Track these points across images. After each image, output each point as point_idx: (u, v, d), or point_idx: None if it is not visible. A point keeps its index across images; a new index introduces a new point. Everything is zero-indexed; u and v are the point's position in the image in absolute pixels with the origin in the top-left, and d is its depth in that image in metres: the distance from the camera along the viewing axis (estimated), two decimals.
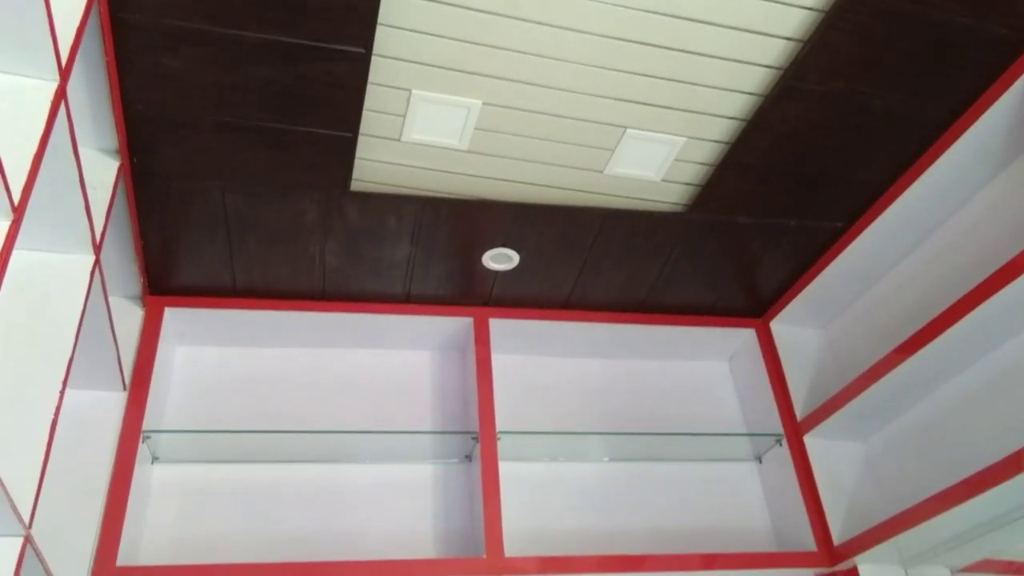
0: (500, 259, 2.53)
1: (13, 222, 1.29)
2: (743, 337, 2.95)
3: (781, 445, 2.70)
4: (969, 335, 2.15)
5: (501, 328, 2.76)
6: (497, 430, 2.53)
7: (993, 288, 1.99)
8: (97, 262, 1.82)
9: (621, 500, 2.71)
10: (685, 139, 2.16)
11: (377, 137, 2.09)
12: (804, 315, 2.85)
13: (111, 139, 1.90)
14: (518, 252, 2.51)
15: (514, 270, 2.59)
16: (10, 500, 1.40)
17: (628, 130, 2.13)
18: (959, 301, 2.09)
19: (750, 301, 2.87)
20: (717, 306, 2.87)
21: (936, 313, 2.16)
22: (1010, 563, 2.68)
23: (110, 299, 2.05)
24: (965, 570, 2.54)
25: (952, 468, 2.15)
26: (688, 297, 2.81)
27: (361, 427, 2.60)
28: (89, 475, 2.18)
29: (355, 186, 2.22)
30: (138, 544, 2.31)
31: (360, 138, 2.06)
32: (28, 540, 1.52)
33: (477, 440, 2.52)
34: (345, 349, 2.82)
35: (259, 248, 2.39)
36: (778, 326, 2.89)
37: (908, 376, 2.33)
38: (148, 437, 2.33)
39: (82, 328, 1.74)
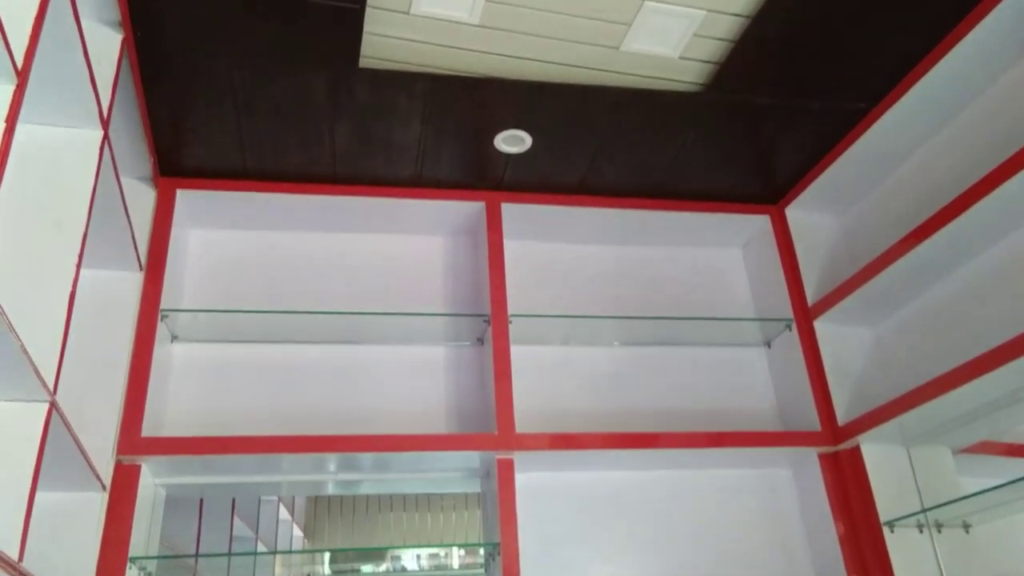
0: (512, 141, 2.50)
1: (17, 87, 1.27)
2: (758, 224, 2.92)
3: (791, 330, 2.72)
4: (984, 219, 2.12)
5: (513, 213, 2.75)
6: (509, 313, 2.56)
7: (1009, 172, 1.95)
8: (106, 137, 1.80)
9: (631, 383, 2.76)
10: (704, 12, 2.08)
11: (385, 10, 2.02)
12: (820, 201, 2.81)
13: (113, 10, 1.85)
14: (530, 134, 2.47)
15: (526, 153, 2.55)
16: (33, 366, 1.43)
17: (646, 2, 2.04)
18: (975, 185, 2.05)
19: (766, 187, 2.83)
20: (732, 192, 2.84)
21: (952, 197, 2.13)
22: (1009, 445, 2.74)
23: (122, 180, 2.04)
24: (965, 451, 2.60)
25: (960, 353, 2.16)
26: (703, 182, 2.77)
27: (374, 309, 2.63)
28: (110, 352, 2.23)
29: (364, 63, 2.17)
30: (162, 418, 2.39)
31: (368, 11, 1.99)
32: (54, 406, 1.57)
33: (489, 323, 2.55)
34: (357, 233, 2.83)
35: (268, 128, 2.36)
36: (793, 212, 2.86)
37: (921, 260, 2.31)
38: (166, 316, 2.38)
39: (95, 207, 1.74)
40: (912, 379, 2.32)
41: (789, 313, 2.73)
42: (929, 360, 2.42)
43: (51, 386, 1.55)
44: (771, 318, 2.79)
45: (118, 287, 2.32)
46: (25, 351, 1.39)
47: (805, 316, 2.70)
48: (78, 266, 1.67)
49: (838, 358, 2.64)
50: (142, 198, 2.46)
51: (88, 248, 1.74)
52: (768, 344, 2.87)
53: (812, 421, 2.57)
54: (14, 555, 1.42)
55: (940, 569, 2.37)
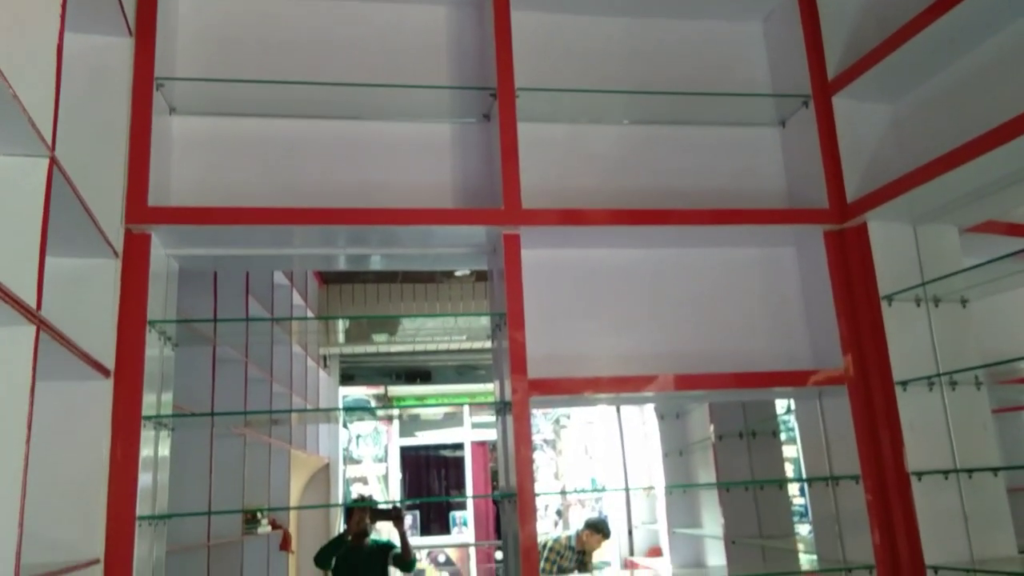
0: None
1: None
2: None
3: (807, 107, 2.63)
4: None
5: None
6: (516, 86, 2.47)
7: None
8: None
9: (640, 163, 2.72)
10: None
11: None
12: None
13: None
14: None
15: None
16: (27, 116, 1.40)
17: None
18: None
19: None
20: None
21: None
22: (1012, 224, 2.75)
23: None
24: (971, 230, 2.61)
25: (978, 131, 2.09)
26: None
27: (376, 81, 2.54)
28: (108, 122, 2.18)
29: None
30: (167, 191, 2.39)
31: None
32: (54, 162, 1.55)
33: (495, 97, 2.47)
34: (358, 1, 2.67)
35: None
36: None
37: (948, 30, 2.19)
38: (162, 85, 2.30)
39: None
40: (926, 158, 2.27)
41: (807, 89, 2.62)
42: (945, 138, 2.34)
43: (49, 141, 1.52)
44: (788, 94, 2.69)
45: (108, 54, 2.22)
46: (17, 99, 1.35)
47: (823, 92, 2.60)
48: (62, 18, 1.59)
49: (853, 136, 2.57)
50: None
51: (71, 10, 1.64)
52: (783, 123, 2.79)
53: (821, 200, 2.55)
54: (31, 303, 1.46)
55: (934, 343, 2.44)
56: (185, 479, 2.91)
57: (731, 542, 3.96)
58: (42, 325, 1.50)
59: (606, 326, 2.59)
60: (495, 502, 8.66)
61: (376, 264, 2.65)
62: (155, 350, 2.23)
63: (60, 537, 1.92)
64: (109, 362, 2.06)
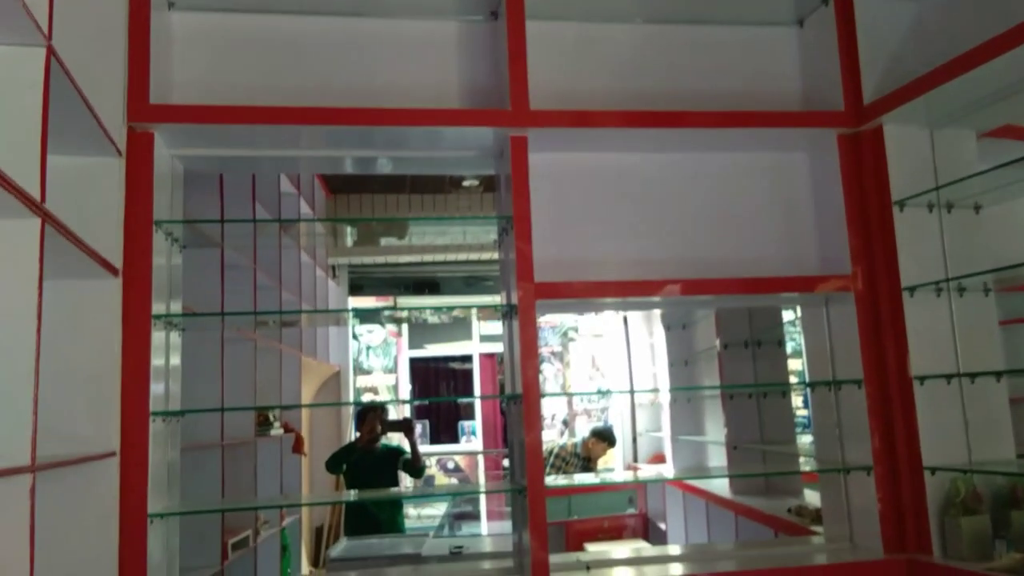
0: None
1: None
2: None
3: (827, 5, 2.54)
4: None
5: None
6: None
7: None
8: None
9: (652, 64, 2.64)
10: None
11: None
12: None
13: None
14: None
15: None
16: (24, 5, 1.36)
17: None
18: None
19: None
20: None
21: None
22: None
23: None
24: (988, 135, 2.55)
25: (1001, 29, 2.01)
26: None
27: None
28: (106, 16, 2.11)
29: None
30: (169, 88, 2.35)
31: None
32: (51, 52, 1.52)
33: None
34: None
35: None
36: None
37: None
38: None
39: None
40: (947, 58, 2.20)
41: None
42: (968, 39, 2.27)
43: (45, 29, 1.48)
44: None
45: None
46: None
47: None
48: None
49: (874, 36, 2.49)
50: None
51: None
52: (800, 23, 2.70)
53: (836, 103, 2.49)
54: (35, 195, 1.45)
55: (944, 249, 2.42)
56: (197, 383, 2.96)
57: (733, 448, 4.05)
58: (47, 218, 1.50)
59: (614, 231, 2.57)
60: (502, 412, 8.84)
61: (383, 168, 2.62)
62: (163, 250, 2.24)
63: (76, 431, 1.97)
64: (117, 261, 2.07)
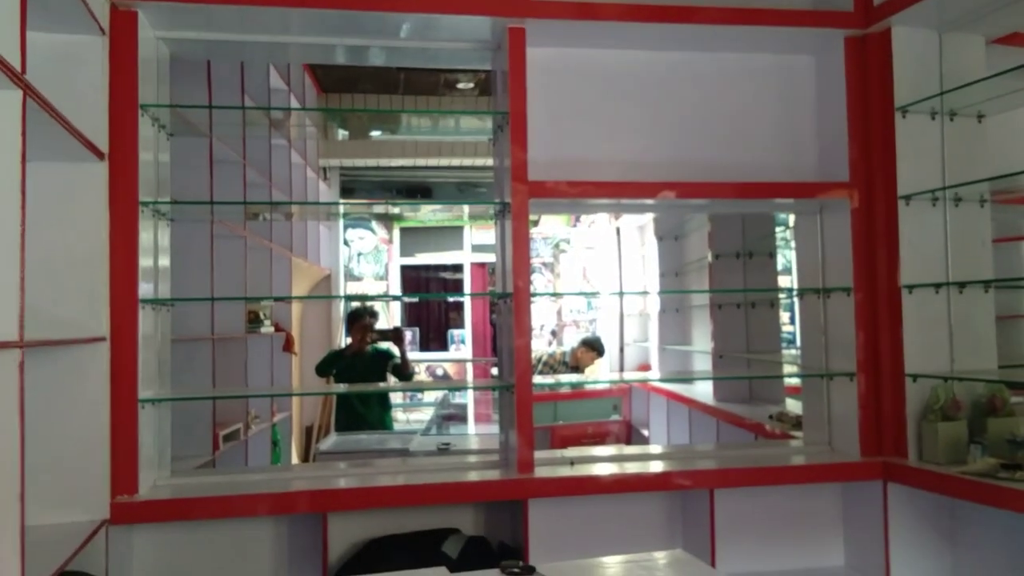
0: None
1: None
2: None
3: None
4: None
5: None
6: None
7: None
8: None
9: None
10: None
11: None
12: None
13: None
14: None
15: None
16: None
17: None
18: None
19: None
20: None
21: None
22: None
23: None
24: (998, 41, 2.48)
25: None
26: None
27: None
28: None
29: None
30: None
31: None
32: None
33: None
34: None
35: None
36: None
37: None
38: None
39: None
40: None
41: None
42: None
43: None
44: None
45: None
46: None
47: None
48: None
49: None
50: None
51: None
52: None
53: (846, 3, 2.42)
54: (16, 65, 1.40)
55: (943, 157, 2.39)
56: (187, 278, 2.95)
57: (719, 356, 4.11)
58: (28, 91, 1.45)
59: (611, 132, 2.53)
60: (492, 323, 8.91)
61: (375, 58, 2.54)
62: (149, 137, 2.19)
63: (65, 316, 1.97)
64: (103, 144, 2.02)
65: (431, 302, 10.23)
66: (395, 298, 9.46)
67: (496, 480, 2.28)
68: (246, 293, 3.70)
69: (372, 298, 6.66)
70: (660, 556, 1.69)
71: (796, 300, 2.82)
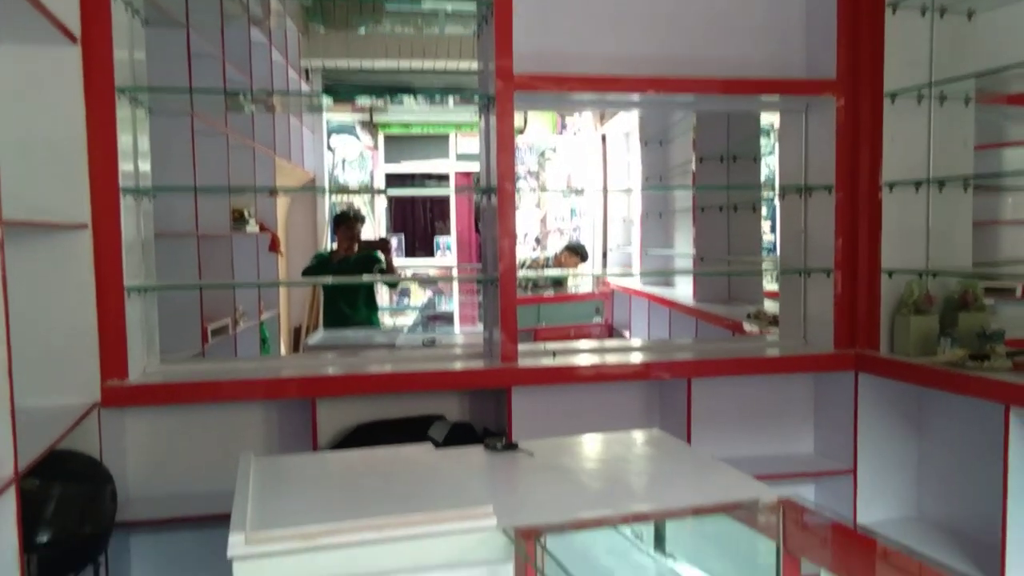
0: None
1: None
2: None
3: None
4: None
5: None
6: None
7: None
8: None
9: None
10: None
11: None
12: None
13: None
14: None
15: None
16: None
17: None
18: None
19: None
20: None
21: None
22: None
23: None
24: None
25: None
26: None
27: None
28: None
29: None
30: None
31: None
32: None
33: None
34: None
35: None
36: None
37: None
38: None
39: None
40: None
41: None
42: None
43: None
44: None
45: None
46: None
47: None
48: None
49: None
50: None
51: None
52: None
53: None
54: None
55: (931, 55, 2.37)
56: (169, 175, 2.91)
57: (700, 259, 4.15)
58: None
59: (598, 26, 2.48)
60: (477, 230, 8.90)
61: None
62: (123, 20, 2.12)
63: (45, 203, 1.96)
64: (74, 27, 1.97)
65: (416, 209, 10.19)
66: (380, 191, 9.37)
67: (480, 369, 2.34)
68: (230, 192, 3.67)
69: (356, 191, 6.59)
70: (638, 434, 1.76)
71: (777, 203, 2.84)
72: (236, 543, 1.09)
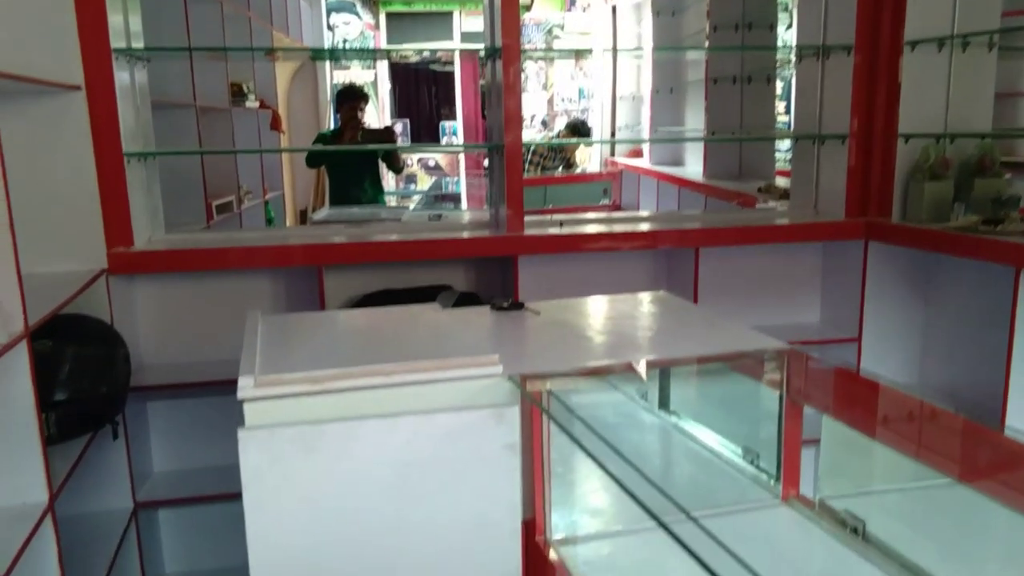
0: None
1: None
2: None
3: None
4: None
5: None
6: None
7: None
8: None
9: None
10: None
11: None
12: None
13: None
14: None
15: None
16: None
17: None
18: None
19: None
20: None
21: None
22: None
23: None
24: None
25: None
26: None
27: None
28: None
29: None
30: None
31: None
32: None
33: None
34: None
35: None
36: None
37: None
38: None
39: None
40: None
41: None
42: None
43: None
44: None
45: None
46: None
47: None
48: None
49: None
50: None
51: None
52: None
53: None
54: None
55: None
56: (162, 41, 2.82)
57: (711, 133, 4.06)
58: None
59: None
60: (483, 115, 8.71)
61: None
62: None
63: (33, 60, 1.90)
64: None
65: (421, 94, 9.97)
66: (382, 50, 9.10)
67: (487, 237, 2.32)
68: (226, 64, 3.57)
69: (357, 55, 6.37)
70: (644, 295, 1.75)
71: (794, 67, 2.73)
72: (245, 385, 1.10)
